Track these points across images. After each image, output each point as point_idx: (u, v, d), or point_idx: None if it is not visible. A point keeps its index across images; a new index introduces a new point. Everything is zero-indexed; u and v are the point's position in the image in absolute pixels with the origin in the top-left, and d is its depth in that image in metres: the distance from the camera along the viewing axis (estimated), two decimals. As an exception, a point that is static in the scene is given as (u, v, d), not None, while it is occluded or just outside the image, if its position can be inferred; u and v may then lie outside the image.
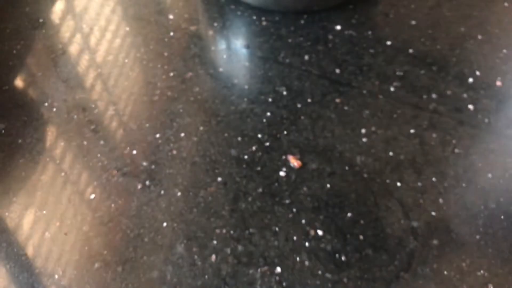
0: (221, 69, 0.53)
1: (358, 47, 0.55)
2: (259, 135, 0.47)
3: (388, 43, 0.55)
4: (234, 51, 0.55)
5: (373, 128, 0.48)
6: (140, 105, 0.50)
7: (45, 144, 0.47)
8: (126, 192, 0.44)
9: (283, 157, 0.45)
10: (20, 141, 0.47)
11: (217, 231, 0.41)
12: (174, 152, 0.46)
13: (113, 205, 0.43)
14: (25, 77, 0.53)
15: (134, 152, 0.46)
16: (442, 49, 0.55)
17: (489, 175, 0.45)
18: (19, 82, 0.52)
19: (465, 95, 0.50)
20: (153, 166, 0.45)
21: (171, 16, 0.58)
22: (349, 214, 0.42)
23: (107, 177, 0.45)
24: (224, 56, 0.54)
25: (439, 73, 0.53)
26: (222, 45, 0.56)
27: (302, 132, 0.47)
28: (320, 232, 0.41)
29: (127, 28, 0.57)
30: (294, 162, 0.45)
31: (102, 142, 0.47)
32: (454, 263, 0.40)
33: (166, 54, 0.54)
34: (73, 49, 0.55)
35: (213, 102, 0.50)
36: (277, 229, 0.41)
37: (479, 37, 0.56)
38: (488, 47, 0.55)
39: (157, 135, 0.48)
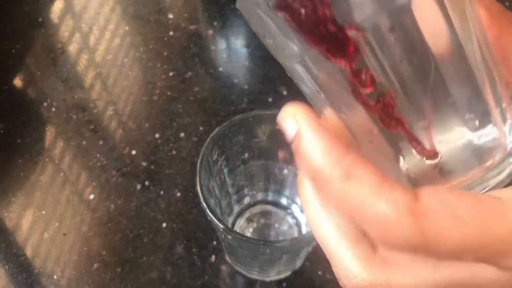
0: (221, 69, 0.53)
1: (358, 46, 0.55)
2: (259, 135, 0.47)
3: (389, 42, 0.55)
4: (234, 51, 0.55)
5: (373, 128, 0.48)
6: (139, 105, 0.50)
7: (44, 144, 0.47)
8: (125, 192, 0.44)
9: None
10: (19, 141, 0.47)
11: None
12: (174, 152, 0.46)
13: (112, 205, 0.43)
14: (24, 76, 0.53)
15: (134, 152, 0.46)
16: (442, 49, 0.55)
17: (490, 175, 0.45)
18: (18, 82, 0.52)
19: (465, 95, 0.50)
20: (152, 166, 0.45)
21: (170, 16, 0.58)
22: (349, 215, 0.42)
23: (107, 177, 0.45)
24: (224, 56, 0.54)
25: (439, 73, 0.52)
26: (222, 45, 0.55)
27: (302, 132, 0.47)
28: (320, 233, 0.41)
29: (127, 28, 0.57)
30: None
31: (101, 142, 0.47)
32: (455, 264, 0.40)
33: (165, 53, 0.54)
34: (72, 48, 0.55)
35: (213, 102, 0.50)
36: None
37: (480, 36, 0.56)
38: (488, 47, 0.55)
39: (157, 135, 0.47)
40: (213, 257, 0.40)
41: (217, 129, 0.31)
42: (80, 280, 0.39)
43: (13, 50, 0.55)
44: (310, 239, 0.28)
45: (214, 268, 0.39)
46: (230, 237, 0.29)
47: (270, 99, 0.50)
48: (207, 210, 0.28)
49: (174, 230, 0.41)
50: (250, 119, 0.32)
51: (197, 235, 0.41)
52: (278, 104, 0.49)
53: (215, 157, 0.32)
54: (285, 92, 0.50)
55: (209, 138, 0.31)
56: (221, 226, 0.28)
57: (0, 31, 0.57)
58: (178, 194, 0.43)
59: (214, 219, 0.28)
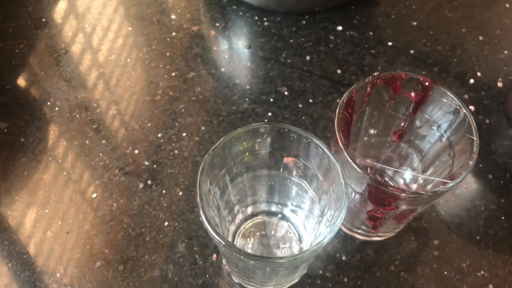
0: (223, 69, 0.53)
1: (359, 47, 0.55)
2: (261, 135, 0.47)
3: (389, 44, 0.55)
4: (236, 51, 0.55)
5: (374, 129, 0.48)
6: (142, 105, 0.50)
7: (48, 143, 0.47)
8: (128, 191, 0.44)
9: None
10: (22, 140, 0.48)
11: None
12: (176, 151, 0.47)
13: (114, 204, 0.43)
14: (27, 76, 0.53)
15: (136, 151, 0.47)
16: (443, 50, 0.55)
17: (490, 176, 0.45)
18: (21, 81, 0.53)
19: (466, 96, 0.50)
20: (154, 166, 0.46)
21: (173, 16, 0.59)
22: (349, 214, 0.42)
23: (109, 176, 0.45)
24: (226, 56, 0.55)
25: (440, 74, 0.53)
26: (224, 45, 0.56)
27: (303, 132, 0.47)
28: (320, 232, 0.41)
29: (130, 28, 0.58)
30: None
31: (104, 141, 0.47)
32: (455, 264, 0.40)
33: (168, 54, 0.55)
34: (76, 48, 0.55)
35: (215, 102, 0.50)
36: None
37: (480, 38, 0.56)
38: (489, 48, 0.55)
39: (159, 135, 0.48)
40: (214, 256, 0.40)
41: (221, 140, 0.31)
42: (83, 278, 0.39)
43: (17, 50, 0.55)
44: (310, 255, 0.28)
45: (215, 266, 0.40)
46: (228, 251, 0.28)
47: (271, 99, 0.50)
48: (206, 223, 0.28)
49: (175, 228, 0.42)
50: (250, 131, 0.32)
51: (198, 234, 0.41)
52: (279, 104, 0.50)
53: (216, 168, 0.32)
54: (286, 92, 0.51)
55: (211, 150, 0.30)
56: (223, 242, 0.27)
57: (4, 30, 0.57)
58: (180, 193, 0.44)
59: (214, 235, 0.27)
